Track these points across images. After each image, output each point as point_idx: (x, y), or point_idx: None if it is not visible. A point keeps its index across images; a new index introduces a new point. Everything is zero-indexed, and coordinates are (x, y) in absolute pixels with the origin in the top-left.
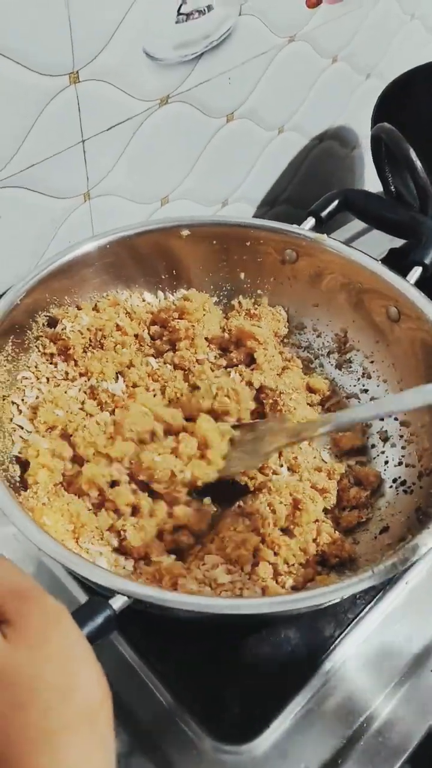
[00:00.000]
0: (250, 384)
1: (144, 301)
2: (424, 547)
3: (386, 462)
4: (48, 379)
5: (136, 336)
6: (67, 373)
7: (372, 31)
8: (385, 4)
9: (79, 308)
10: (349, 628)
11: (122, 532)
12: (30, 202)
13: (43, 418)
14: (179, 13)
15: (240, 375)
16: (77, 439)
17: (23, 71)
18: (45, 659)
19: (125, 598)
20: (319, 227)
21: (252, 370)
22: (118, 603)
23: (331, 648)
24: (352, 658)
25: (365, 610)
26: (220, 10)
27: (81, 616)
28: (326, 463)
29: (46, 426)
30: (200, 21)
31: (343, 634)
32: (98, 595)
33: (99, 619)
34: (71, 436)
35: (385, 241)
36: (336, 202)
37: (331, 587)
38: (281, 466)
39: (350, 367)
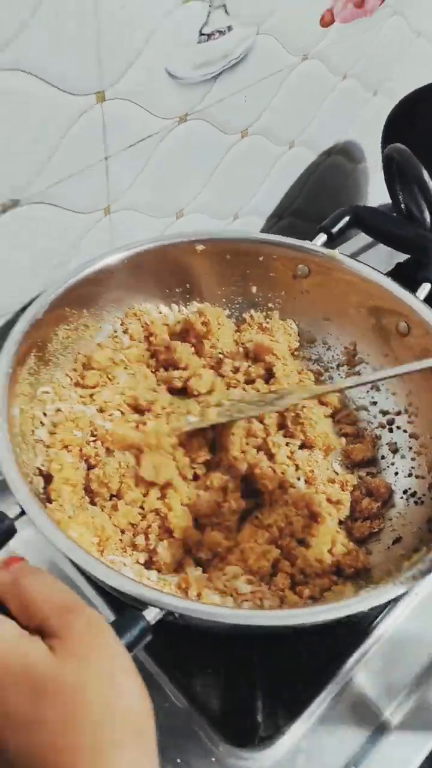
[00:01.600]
0: None
1: (160, 313)
2: None
3: (396, 473)
4: (69, 396)
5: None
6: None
7: (381, 49)
8: (394, 21)
9: None
10: (363, 636)
11: (149, 547)
12: (53, 218)
13: (60, 437)
14: (201, 34)
15: (258, 391)
16: (93, 476)
17: (53, 91)
18: (92, 672)
19: (158, 609)
20: (330, 243)
21: (270, 384)
22: (151, 614)
23: (347, 655)
24: (366, 665)
25: (378, 618)
26: (240, 30)
27: (118, 628)
28: (338, 474)
29: (62, 444)
30: (220, 41)
31: (358, 642)
32: (129, 607)
33: (135, 631)
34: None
35: (391, 255)
36: (347, 219)
37: (361, 597)
38: (298, 479)
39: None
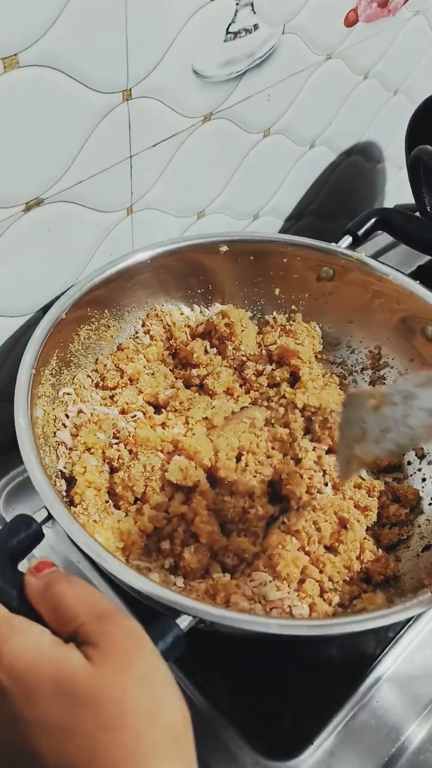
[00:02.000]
0: (293, 405)
1: (182, 314)
2: None
3: (423, 479)
4: (90, 397)
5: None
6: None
7: (402, 49)
8: (416, 21)
9: None
10: (388, 647)
11: (174, 552)
12: (77, 217)
13: (83, 439)
14: (227, 32)
15: (283, 396)
16: (117, 479)
17: (80, 88)
18: (131, 681)
19: (190, 617)
20: (355, 245)
21: (296, 388)
22: (185, 623)
23: (372, 666)
24: (391, 677)
25: (404, 630)
26: (266, 28)
27: (152, 636)
28: (365, 480)
29: (85, 446)
30: (246, 39)
31: (383, 653)
32: (159, 614)
33: (169, 639)
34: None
35: (413, 257)
36: (372, 221)
37: (395, 608)
38: (325, 484)
39: (383, 383)
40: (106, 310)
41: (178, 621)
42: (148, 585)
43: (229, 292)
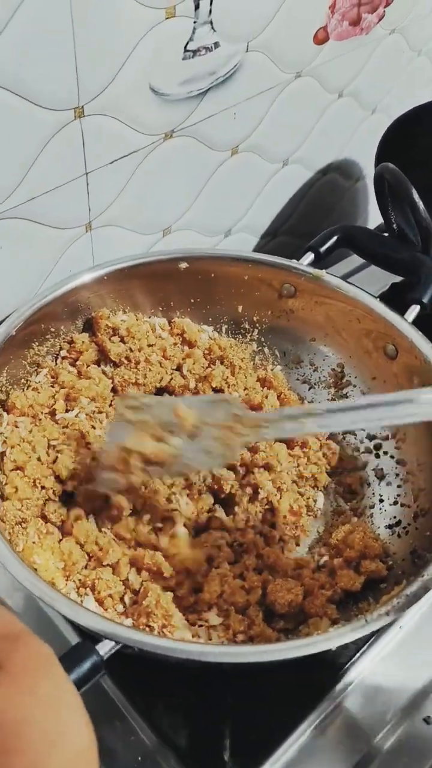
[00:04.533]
0: None
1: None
2: (418, 595)
3: (381, 500)
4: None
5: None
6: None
7: (379, 67)
8: (392, 40)
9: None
10: (341, 673)
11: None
12: (31, 233)
13: (14, 458)
14: (186, 50)
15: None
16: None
17: (28, 106)
18: (34, 704)
19: (113, 643)
20: (317, 262)
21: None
22: (105, 648)
23: (322, 695)
24: (343, 704)
25: (357, 656)
26: (227, 46)
27: (68, 661)
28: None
29: (16, 465)
30: (207, 57)
31: (336, 680)
32: (88, 636)
33: (86, 665)
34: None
35: (385, 276)
36: (335, 238)
37: (324, 635)
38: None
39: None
40: (62, 326)
41: (98, 647)
42: (64, 607)
43: (193, 309)
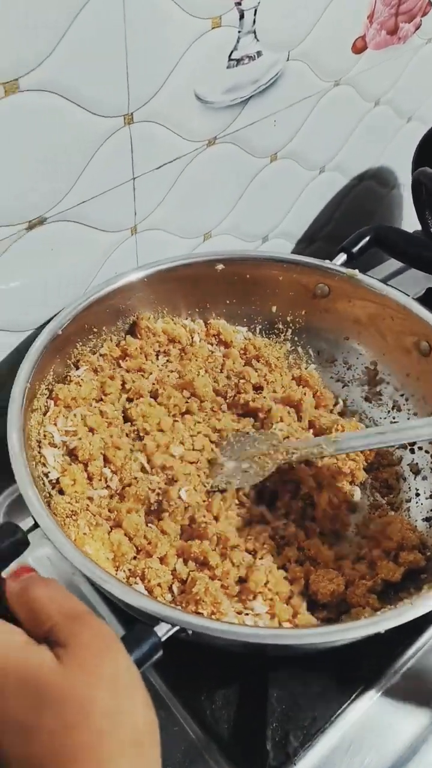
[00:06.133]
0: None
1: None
2: None
3: (417, 494)
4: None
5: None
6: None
7: (415, 76)
8: (429, 49)
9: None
10: (387, 662)
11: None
12: (81, 236)
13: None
14: (230, 59)
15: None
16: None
17: (82, 112)
18: (98, 683)
19: (169, 625)
20: (350, 262)
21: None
22: (162, 630)
23: (361, 688)
24: (388, 693)
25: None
26: (270, 55)
27: (128, 642)
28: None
29: (77, 459)
30: (250, 66)
31: (374, 674)
32: (139, 622)
33: (145, 646)
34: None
35: (422, 280)
36: (367, 239)
37: (374, 618)
38: None
39: (380, 399)
40: (104, 327)
41: (156, 629)
42: (125, 593)
43: (228, 309)
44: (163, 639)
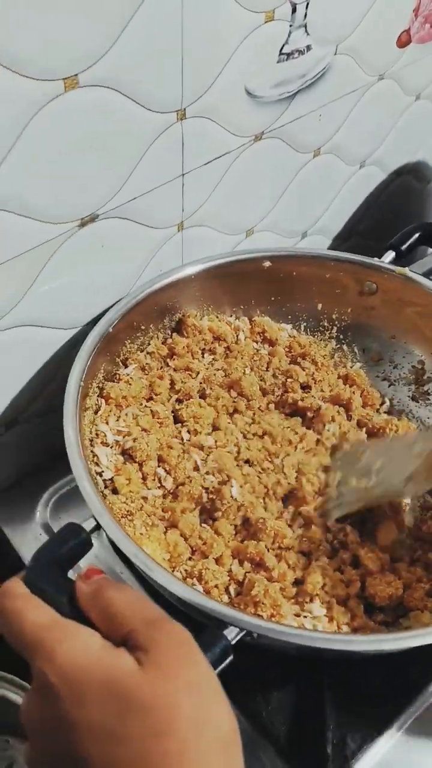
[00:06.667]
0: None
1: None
2: None
3: None
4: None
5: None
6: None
7: None
8: None
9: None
10: None
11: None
12: (130, 232)
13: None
14: (281, 53)
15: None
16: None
17: (137, 108)
18: (181, 689)
19: (237, 629)
20: (398, 260)
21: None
22: (232, 634)
23: (418, 690)
24: None
25: None
26: (318, 49)
27: (201, 645)
28: None
29: (131, 458)
30: (299, 60)
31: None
32: (207, 626)
33: (217, 650)
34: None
35: None
36: (416, 236)
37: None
38: None
39: (428, 399)
40: (151, 324)
41: (225, 632)
42: (196, 596)
43: (273, 306)
44: (233, 642)
